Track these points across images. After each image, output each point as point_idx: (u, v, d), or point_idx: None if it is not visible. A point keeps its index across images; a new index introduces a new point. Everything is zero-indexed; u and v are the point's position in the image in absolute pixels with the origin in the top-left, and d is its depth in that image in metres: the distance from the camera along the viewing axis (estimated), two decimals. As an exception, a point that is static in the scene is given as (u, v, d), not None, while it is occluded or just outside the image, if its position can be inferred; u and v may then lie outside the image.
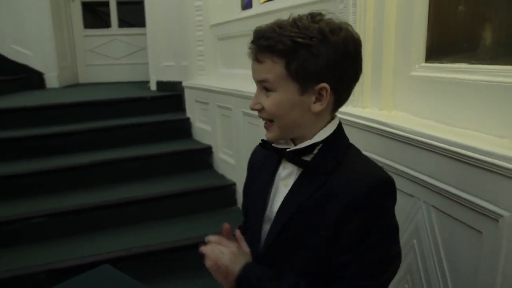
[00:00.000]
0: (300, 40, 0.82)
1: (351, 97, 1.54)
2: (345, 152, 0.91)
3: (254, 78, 0.90)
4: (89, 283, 1.27)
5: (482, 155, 0.97)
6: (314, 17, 0.86)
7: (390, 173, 1.31)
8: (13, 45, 4.50)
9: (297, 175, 0.93)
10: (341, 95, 0.91)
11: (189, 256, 2.34)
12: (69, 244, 2.33)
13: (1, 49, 4.52)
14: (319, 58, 0.83)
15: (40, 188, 2.68)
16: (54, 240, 2.35)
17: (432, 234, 1.18)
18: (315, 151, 0.91)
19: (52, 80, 4.54)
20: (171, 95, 3.83)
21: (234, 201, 2.83)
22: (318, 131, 0.92)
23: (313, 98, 0.87)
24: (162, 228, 2.51)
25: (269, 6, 2.64)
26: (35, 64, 4.50)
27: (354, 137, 1.47)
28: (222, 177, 3.00)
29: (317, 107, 0.88)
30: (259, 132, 2.38)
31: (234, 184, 2.84)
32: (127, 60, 5.08)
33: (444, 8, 1.26)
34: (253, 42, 0.88)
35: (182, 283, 2.19)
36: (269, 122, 0.91)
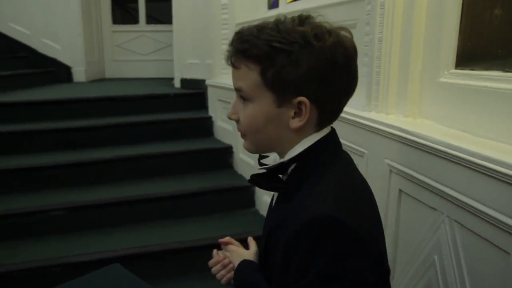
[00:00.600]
0: (277, 44, 0.73)
1: (374, 103, 1.50)
2: (312, 173, 0.79)
3: (233, 85, 0.83)
4: (97, 282, 1.25)
5: (506, 168, 0.91)
6: (302, 20, 0.77)
7: (411, 184, 1.26)
8: (43, 38, 4.59)
9: (278, 194, 0.89)
10: (326, 109, 0.79)
11: (203, 257, 2.30)
12: (86, 238, 2.34)
13: (32, 42, 4.61)
14: (299, 67, 0.74)
15: (60, 181, 2.70)
16: (72, 234, 2.37)
17: (454, 251, 1.12)
18: (289, 171, 0.82)
19: (79, 74, 4.61)
20: (194, 93, 3.82)
21: (252, 203, 2.79)
22: (292, 147, 0.82)
23: (291, 113, 0.78)
24: (179, 226, 2.49)
25: (295, 6, 2.59)
26: (64, 58, 4.57)
27: (376, 145, 1.42)
28: (241, 177, 2.97)
29: (295, 123, 0.78)
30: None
31: (253, 186, 2.80)
32: (154, 56, 5.10)
33: (478, 11, 1.18)
34: (230, 44, 0.80)
35: (195, 284, 2.17)
36: (243, 134, 0.85)
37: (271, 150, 0.86)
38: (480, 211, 0.99)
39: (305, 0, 2.51)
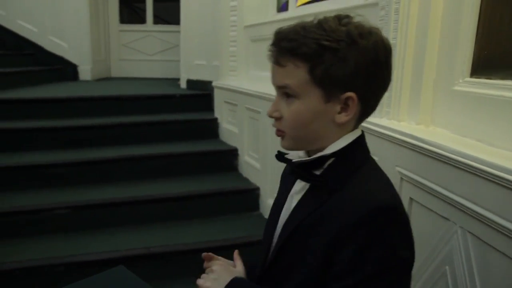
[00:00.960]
0: (326, 43, 0.75)
1: (386, 109, 1.48)
2: (357, 168, 0.82)
3: (274, 83, 0.84)
4: (103, 283, 1.24)
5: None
6: (341, 20, 0.79)
7: (423, 193, 1.25)
8: (50, 36, 4.60)
9: (306, 190, 0.87)
10: (368, 105, 0.83)
11: (207, 259, 2.30)
12: (90, 238, 2.33)
13: (40, 40, 4.62)
14: (347, 64, 0.76)
15: (65, 180, 2.69)
16: (76, 233, 2.35)
17: (467, 262, 1.09)
18: (326, 165, 0.83)
19: (85, 72, 4.61)
20: (201, 94, 3.81)
21: (257, 206, 2.78)
22: (334, 141, 0.84)
23: (338, 108, 0.80)
24: (183, 228, 2.48)
25: (306, 10, 2.58)
26: (70, 56, 4.58)
27: (387, 152, 1.40)
28: (246, 180, 2.96)
29: (342, 118, 0.80)
30: (287, 138, 2.32)
31: (257, 189, 2.78)
32: (160, 56, 5.11)
33: (496, 19, 1.16)
34: (274, 44, 0.81)
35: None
36: (281, 131, 0.85)
37: (311, 146, 0.85)
38: (495, 222, 0.97)
39: (315, 4, 2.50)
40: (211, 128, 3.46)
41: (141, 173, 2.87)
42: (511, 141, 1.08)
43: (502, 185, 0.95)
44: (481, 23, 1.20)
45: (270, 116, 0.85)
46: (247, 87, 2.96)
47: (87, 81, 4.56)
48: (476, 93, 1.20)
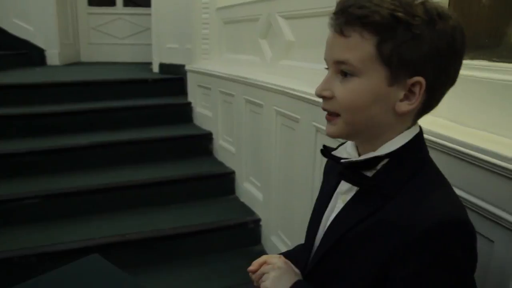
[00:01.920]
0: (401, 15, 0.65)
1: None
2: (416, 172, 0.72)
3: (329, 57, 0.73)
4: (77, 272, 1.22)
5: (491, 157, 0.91)
6: None
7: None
8: (14, 19, 4.41)
9: (356, 192, 0.77)
10: (434, 97, 0.73)
11: (184, 244, 2.30)
12: (63, 227, 2.28)
13: (3, 23, 4.43)
14: (421, 44, 0.66)
15: (35, 168, 2.62)
16: (48, 223, 2.30)
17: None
18: (379, 166, 0.74)
19: (53, 57, 4.46)
20: (173, 78, 3.75)
21: (232, 190, 2.77)
22: (390, 139, 0.74)
23: (401, 94, 0.70)
24: (158, 214, 2.46)
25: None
26: (37, 40, 4.41)
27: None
28: (221, 164, 2.94)
29: (404, 106, 0.70)
30: (261, 121, 2.32)
31: (233, 173, 2.78)
32: (131, 40, 4.99)
33: (465, 0, 1.17)
34: (339, 11, 0.70)
35: (177, 271, 2.15)
36: (334, 115, 0.74)
37: (362, 135, 0.76)
38: (464, 199, 1.00)
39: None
40: (185, 112, 3.42)
41: (114, 159, 2.81)
42: (481, 120, 1.10)
43: (469, 162, 0.97)
44: (451, 5, 1.21)
45: (319, 96, 0.74)
46: (220, 70, 2.92)
47: (55, 66, 4.42)
48: (471, 76, 1.19)
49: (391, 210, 0.70)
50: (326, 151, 0.83)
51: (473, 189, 0.98)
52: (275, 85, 2.12)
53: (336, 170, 0.82)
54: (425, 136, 1.08)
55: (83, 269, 1.23)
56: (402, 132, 0.74)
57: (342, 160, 0.77)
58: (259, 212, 2.45)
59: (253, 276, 0.90)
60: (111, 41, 4.97)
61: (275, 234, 2.26)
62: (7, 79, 3.46)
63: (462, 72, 1.14)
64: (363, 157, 0.75)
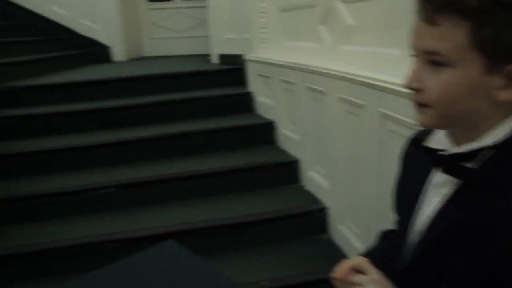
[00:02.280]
0: None
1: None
2: None
3: (418, 46, 0.67)
4: (154, 258, 1.26)
5: None
6: None
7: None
8: (82, 19, 4.64)
9: (456, 185, 0.70)
10: None
11: (249, 232, 2.33)
12: (135, 215, 2.40)
13: (72, 24, 4.68)
14: None
15: (105, 160, 2.76)
16: (121, 211, 2.43)
17: None
18: (485, 158, 0.67)
19: (118, 53, 4.66)
20: (233, 69, 3.77)
21: (296, 178, 2.76)
22: (491, 128, 0.67)
23: (501, 82, 0.63)
24: (224, 203, 2.51)
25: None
26: (102, 38, 4.62)
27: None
28: (284, 153, 2.94)
29: (504, 95, 0.64)
30: (324, 108, 2.28)
31: (297, 161, 2.76)
32: (190, 33, 5.07)
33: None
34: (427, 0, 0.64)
35: (243, 259, 2.18)
36: (425, 106, 0.68)
37: (458, 126, 0.70)
38: None
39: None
40: (246, 102, 3.44)
41: (179, 150, 2.90)
42: None
43: None
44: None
45: (409, 88, 0.69)
46: (279, 59, 2.90)
47: (120, 62, 4.62)
48: None
49: (507, 201, 0.63)
50: (417, 141, 0.77)
51: None
52: (336, 71, 2.08)
53: (423, 160, 0.77)
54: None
55: (160, 254, 1.28)
56: (504, 119, 0.67)
57: (441, 152, 0.70)
58: (325, 200, 2.43)
59: (340, 285, 0.82)
60: (170, 35, 5.09)
61: (342, 223, 2.23)
62: (77, 76, 3.68)
63: None
64: (466, 149, 0.68)
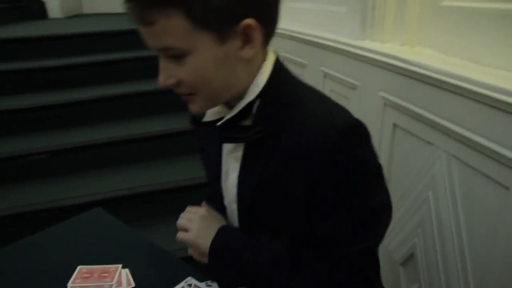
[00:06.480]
0: None
1: (369, 30, 1.38)
2: (291, 99, 0.71)
3: (151, 46, 0.66)
4: (80, 226, 1.21)
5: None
6: None
7: (407, 117, 1.19)
8: (12, -31, 4.25)
9: (244, 144, 0.75)
10: (270, 23, 0.69)
11: (191, 196, 2.27)
12: (71, 182, 2.29)
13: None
14: None
15: (41, 124, 2.59)
16: (56, 178, 2.31)
17: (450, 187, 1.07)
18: (254, 111, 0.71)
19: (54, 9, 4.33)
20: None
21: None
22: (251, 83, 0.71)
23: (239, 43, 0.65)
24: (165, 167, 2.44)
25: None
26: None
27: (370, 76, 1.33)
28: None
29: (247, 52, 0.66)
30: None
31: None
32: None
33: None
34: (128, 1, 0.62)
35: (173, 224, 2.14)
36: (190, 94, 0.70)
37: (225, 97, 0.72)
38: (481, 144, 0.93)
39: None
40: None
41: (120, 113, 2.77)
42: (500, 58, 1.01)
43: (489, 105, 0.90)
44: None
45: (165, 85, 0.69)
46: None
47: (57, 19, 4.29)
48: (464, 7, 1.10)
49: (288, 142, 0.69)
50: (195, 121, 0.79)
51: (490, 134, 0.91)
52: (283, 29, 2.01)
53: (211, 134, 0.81)
54: (438, 76, 1.02)
55: (85, 222, 1.22)
56: (259, 68, 0.72)
57: (219, 123, 0.72)
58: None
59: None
60: (113, -9, 4.79)
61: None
62: (8, 33, 3.36)
63: (482, 5, 1.05)
64: (236, 109, 0.71)
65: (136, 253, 1.03)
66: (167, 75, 0.67)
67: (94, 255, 1.00)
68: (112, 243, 1.09)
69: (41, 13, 4.28)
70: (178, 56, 0.65)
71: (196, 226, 0.81)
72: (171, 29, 0.61)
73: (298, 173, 0.69)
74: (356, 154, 0.68)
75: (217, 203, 0.88)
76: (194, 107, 0.72)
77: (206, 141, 0.87)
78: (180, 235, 0.83)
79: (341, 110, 0.71)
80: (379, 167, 0.73)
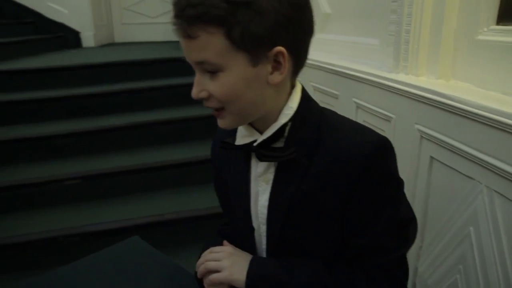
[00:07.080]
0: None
1: (403, 64, 1.39)
2: (321, 121, 0.78)
3: (189, 59, 0.73)
4: (117, 255, 1.22)
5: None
6: None
7: (445, 151, 1.18)
8: (50, 3, 4.45)
9: (276, 166, 0.80)
10: (300, 55, 0.76)
11: (219, 224, 2.29)
12: (103, 207, 2.32)
13: (39, 7, 4.48)
14: (265, 16, 0.67)
15: (73, 150, 2.66)
16: (88, 203, 2.35)
17: (493, 223, 1.04)
18: (286, 133, 0.78)
19: (88, 39, 4.49)
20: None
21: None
22: (282, 106, 0.78)
23: (269, 68, 0.72)
24: (195, 194, 2.45)
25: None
26: (72, 22, 4.44)
27: (405, 109, 1.33)
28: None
29: (276, 77, 0.73)
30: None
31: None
32: (163, 19, 4.94)
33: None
34: (177, 15, 0.69)
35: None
36: (220, 109, 0.76)
37: (252, 116, 0.78)
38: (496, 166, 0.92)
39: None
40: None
41: (150, 140, 2.83)
42: None
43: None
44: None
45: (196, 98, 0.75)
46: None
47: (90, 48, 4.46)
48: (503, 41, 1.10)
49: (321, 163, 0.75)
50: (226, 145, 0.84)
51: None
52: (312, 59, 2.04)
53: (237, 158, 0.85)
54: (476, 111, 1.02)
55: (123, 251, 1.24)
56: (286, 97, 0.79)
57: (255, 143, 0.79)
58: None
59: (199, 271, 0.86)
60: (143, 21, 4.95)
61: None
62: (44, 62, 3.50)
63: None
64: (271, 131, 0.78)
65: (174, 285, 1.04)
66: (200, 88, 0.74)
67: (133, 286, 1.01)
68: (151, 273, 1.10)
69: (76, 42, 4.45)
70: (212, 72, 0.71)
71: (227, 264, 0.83)
72: (211, 45, 0.68)
73: (333, 190, 0.75)
74: (388, 169, 0.77)
75: (235, 229, 0.92)
76: (222, 122, 0.78)
77: (229, 167, 0.90)
78: (214, 277, 0.82)
79: (369, 129, 0.79)
80: (403, 182, 0.81)
